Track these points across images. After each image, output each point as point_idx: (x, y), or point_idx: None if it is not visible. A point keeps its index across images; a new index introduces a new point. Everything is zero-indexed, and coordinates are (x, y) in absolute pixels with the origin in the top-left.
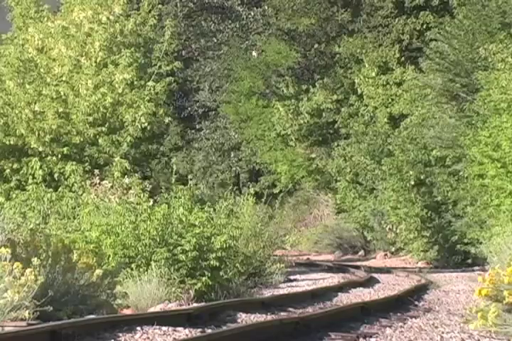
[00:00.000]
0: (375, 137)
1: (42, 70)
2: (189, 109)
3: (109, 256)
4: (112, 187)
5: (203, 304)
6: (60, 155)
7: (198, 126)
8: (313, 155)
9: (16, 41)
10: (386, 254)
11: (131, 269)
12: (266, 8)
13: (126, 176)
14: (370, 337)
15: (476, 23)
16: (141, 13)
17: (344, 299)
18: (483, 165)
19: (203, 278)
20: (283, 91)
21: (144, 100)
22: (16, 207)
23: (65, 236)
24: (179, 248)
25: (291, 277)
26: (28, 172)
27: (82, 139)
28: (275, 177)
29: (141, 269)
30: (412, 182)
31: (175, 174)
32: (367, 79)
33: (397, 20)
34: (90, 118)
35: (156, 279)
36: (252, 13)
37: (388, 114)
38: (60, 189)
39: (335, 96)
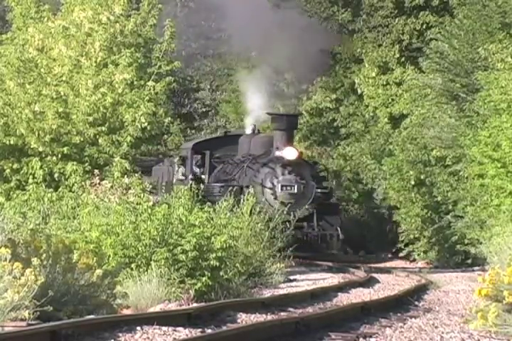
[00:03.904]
0: (376, 137)
1: (42, 70)
2: (189, 106)
3: (109, 256)
4: (111, 187)
5: (203, 304)
6: (60, 155)
7: (197, 122)
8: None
9: (16, 41)
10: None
11: (131, 269)
12: None
13: (126, 176)
14: (370, 337)
15: (476, 23)
16: (141, 13)
17: (344, 299)
18: (483, 165)
19: (203, 278)
20: (283, 90)
21: (143, 100)
22: (16, 207)
23: (65, 237)
24: (179, 248)
25: (291, 277)
26: (28, 172)
27: (82, 139)
28: None
29: (141, 269)
30: (413, 182)
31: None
32: (367, 79)
33: (397, 20)
34: (90, 118)
35: (156, 279)
36: None
37: (388, 114)
38: (60, 189)
39: (335, 96)
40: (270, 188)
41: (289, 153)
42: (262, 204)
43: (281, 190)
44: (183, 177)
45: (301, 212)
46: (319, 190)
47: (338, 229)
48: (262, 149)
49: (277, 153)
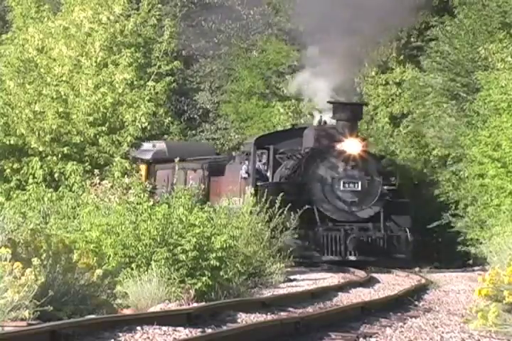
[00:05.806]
0: (377, 136)
1: (42, 70)
2: (189, 112)
3: (110, 256)
4: (112, 187)
5: (203, 304)
6: (60, 155)
7: (198, 128)
8: None
9: (16, 41)
10: None
11: (132, 269)
12: (266, 7)
13: (126, 176)
14: (370, 337)
15: (476, 22)
16: (141, 13)
17: (344, 299)
18: (483, 165)
19: (203, 278)
20: (283, 91)
21: (144, 100)
22: (16, 207)
23: (65, 236)
24: (179, 248)
25: (291, 277)
26: (28, 172)
27: (82, 139)
28: None
29: (141, 269)
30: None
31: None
32: (366, 79)
33: None
34: (90, 118)
35: (156, 279)
36: (252, 12)
37: (389, 114)
38: (60, 189)
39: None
40: (330, 185)
41: (352, 146)
42: (321, 203)
43: (343, 187)
44: (246, 175)
45: (366, 211)
46: (386, 187)
47: (407, 230)
48: (327, 142)
49: (339, 146)
